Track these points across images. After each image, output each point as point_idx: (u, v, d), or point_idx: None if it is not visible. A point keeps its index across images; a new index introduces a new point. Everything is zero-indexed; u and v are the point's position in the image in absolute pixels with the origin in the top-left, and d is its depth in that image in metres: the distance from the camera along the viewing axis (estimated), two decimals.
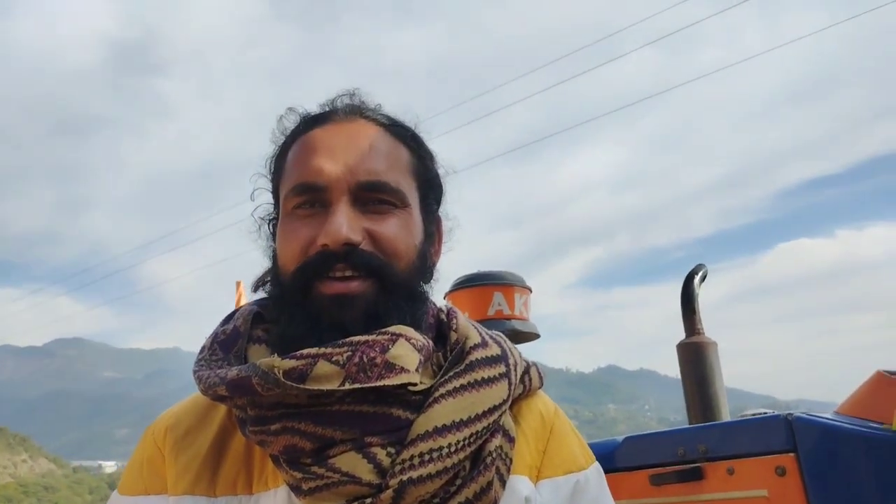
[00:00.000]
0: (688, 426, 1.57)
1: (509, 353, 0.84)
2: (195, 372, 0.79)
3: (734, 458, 1.39)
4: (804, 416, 1.32)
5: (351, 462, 0.70)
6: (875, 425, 1.27)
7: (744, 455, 1.38)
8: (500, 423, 0.79)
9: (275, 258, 0.84)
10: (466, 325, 0.86)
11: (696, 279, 2.05)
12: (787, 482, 1.30)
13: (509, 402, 0.80)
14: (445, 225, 0.93)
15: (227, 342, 0.82)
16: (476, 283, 1.80)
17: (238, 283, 3.75)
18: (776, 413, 1.37)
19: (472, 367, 0.79)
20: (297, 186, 0.81)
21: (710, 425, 1.49)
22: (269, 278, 0.87)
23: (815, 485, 1.27)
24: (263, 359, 0.72)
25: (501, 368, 0.80)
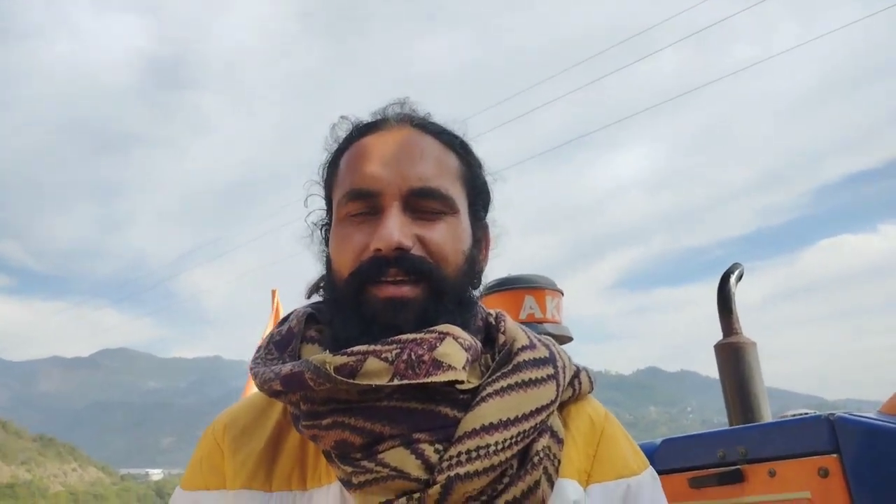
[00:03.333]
0: (727, 428, 1.55)
1: (557, 357, 0.85)
2: (251, 369, 0.83)
3: (775, 459, 1.37)
4: (846, 415, 1.29)
5: (399, 457, 0.72)
6: None
7: (785, 457, 1.36)
8: (549, 424, 0.80)
9: (328, 263, 0.87)
10: (515, 328, 0.88)
11: (733, 278, 2.02)
12: (830, 484, 1.28)
13: (557, 404, 0.81)
14: (492, 231, 0.95)
15: (282, 342, 0.86)
16: (507, 287, 1.80)
17: (273, 292, 3.81)
18: (817, 413, 1.35)
19: (519, 367, 0.80)
20: (350, 192, 0.84)
21: (751, 426, 1.46)
22: (322, 283, 0.90)
23: (859, 486, 1.24)
24: (316, 355, 0.76)
25: (549, 370, 0.82)
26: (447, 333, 0.77)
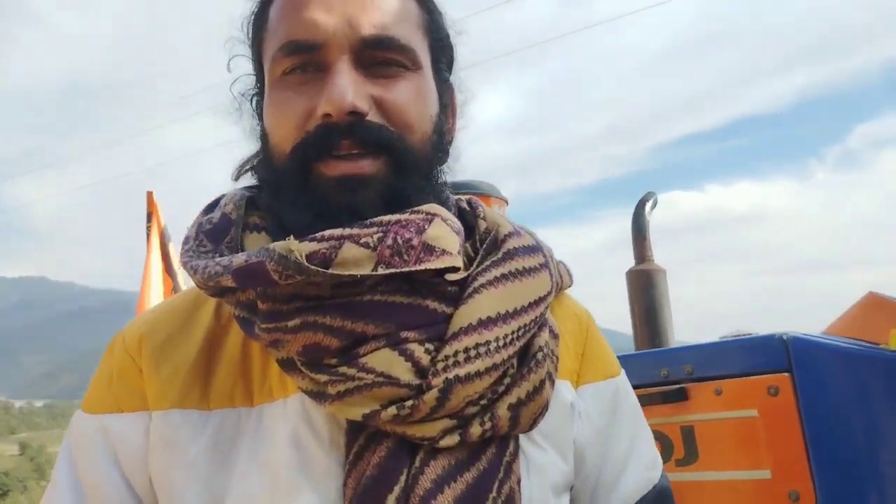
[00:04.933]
0: (674, 347, 1.54)
1: (543, 245, 0.74)
2: (185, 264, 0.68)
3: (722, 378, 1.37)
4: (800, 335, 1.32)
5: (386, 360, 0.61)
6: (868, 345, 1.30)
7: (733, 375, 1.36)
8: (546, 318, 0.70)
9: (264, 138, 0.71)
10: (494, 214, 0.76)
11: (647, 206, 2.02)
12: (779, 402, 1.30)
13: (553, 295, 0.71)
14: (459, 97, 0.79)
15: (215, 231, 0.70)
16: (454, 192, 1.64)
17: (149, 195, 3.33)
18: (769, 334, 1.36)
19: (510, 255, 0.69)
20: (285, 45, 0.67)
21: (698, 345, 1.46)
22: (255, 163, 0.75)
23: (808, 404, 1.27)
24: (277, 242, 0.61)
25: (541, 258, 0.71)
26: (436, 214, 0.65)
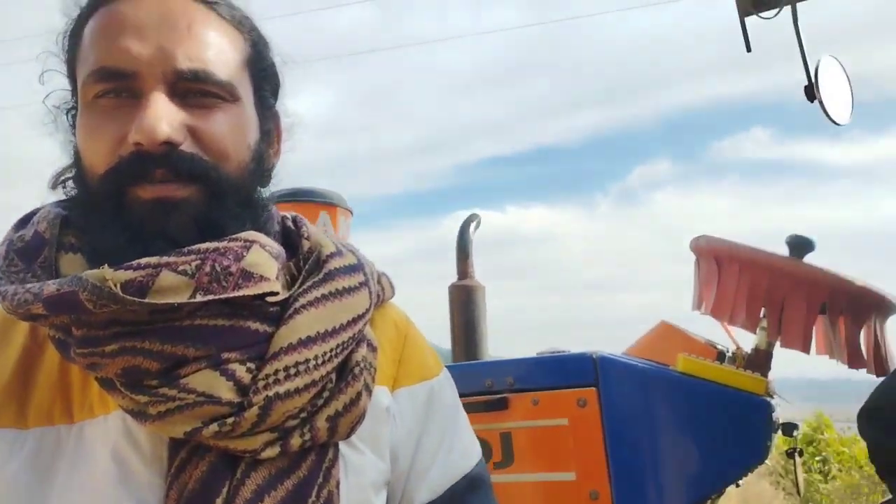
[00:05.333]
0: (496, 360, 1.65)
1: (365, 263, 0.79)
2: None
3: (539, 390, 1.52)
4: (606, 354, 1.50)
5: (207, 381, 0.62)
6: (660, 365, 1.52)
7: (549, 388, 1.51)
8: (364, 334, 0.74)
9: (77, 156, 0.70)
10: (318, 233, 0.79)
11: (472, 227, 2.16)
12: (586, 412, 1.47)
13: (371, 312, 0.76)
14: (285, 122, 0.82)
15: (28, 250, 0.69)
16: (302, 199, 1.62)
17: None
18: (581, 352, 1.53)
19: (331, 275, 0.73)
20: (96, 72, 0.66)
21: (520, 360, 1.59)
22: (70, 176, 0.74)
23: (610, 414, 1.45)
24: (90, 270, 0.61)
25: (361, 277, 0.75)
26: (254, 241, 0.67)
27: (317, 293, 0.70)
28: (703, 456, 1.41)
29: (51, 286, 0.61)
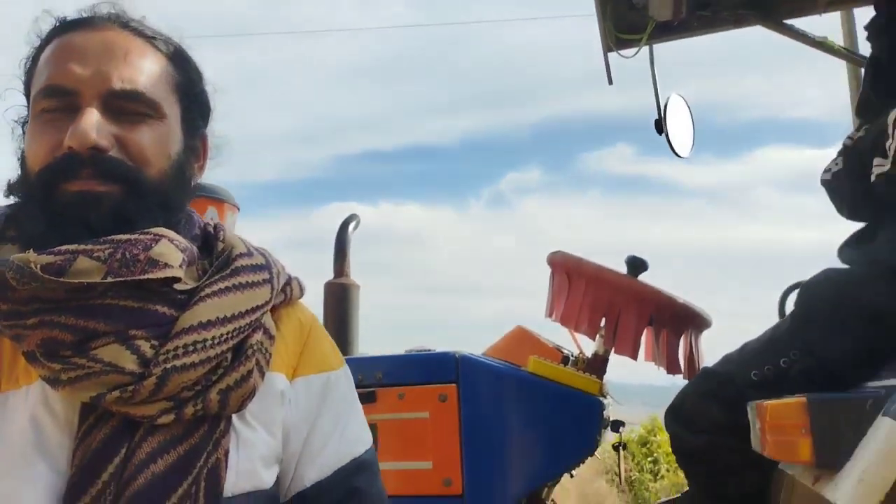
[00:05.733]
0: (368, 356, 1.76)
1: (273, 264, 0.91)
2: None
3: (405, 385, 1.65)
4: (467, 354, 1.66)
5: (114, 353, 0.72)
6: (514, 366, 1.69)
7: (414, 383, 1.65)
8: (262, 322, 0.86)
9: (23, 161, 0.84)
10: (233, 237, 0.92)
11: (350, 227, 2.26)
12: (446, 407, 1.61)
13: (271, 305, 0.88)
14: (212, 141, 0.96)
15: None
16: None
17: None
18: (445, 351, 1.68)
19: (237, 272, 0.84)
20: (45, 89, 0.81)
21: (388, 356, 1.71)
22: (16, 182, 0.86)
23: (466, 409, 1.61)
24: (17, 254, 0.72)
25: (265, 275, 0.87)
26: (162, 235, 0.79)
27: (221, 285, 0.81)
28: (543, 447, 1.60)
29: None
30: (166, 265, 0.76)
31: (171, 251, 0.78)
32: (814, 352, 1.11)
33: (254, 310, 0.82)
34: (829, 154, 1.34)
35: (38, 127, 0.81)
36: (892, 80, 1.14)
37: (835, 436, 0.87)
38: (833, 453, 0.87)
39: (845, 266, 1.23)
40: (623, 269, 1.71)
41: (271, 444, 0.86)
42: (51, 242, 0.73)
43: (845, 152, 1.25)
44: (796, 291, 1.33)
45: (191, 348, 0.75)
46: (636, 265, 1.69)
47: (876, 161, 1.12)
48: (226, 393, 0.78)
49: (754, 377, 1.12)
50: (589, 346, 1.80)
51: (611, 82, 2.30)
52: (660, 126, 2.12)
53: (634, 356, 1.66)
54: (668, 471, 8.43)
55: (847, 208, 1.28)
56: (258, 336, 0.83)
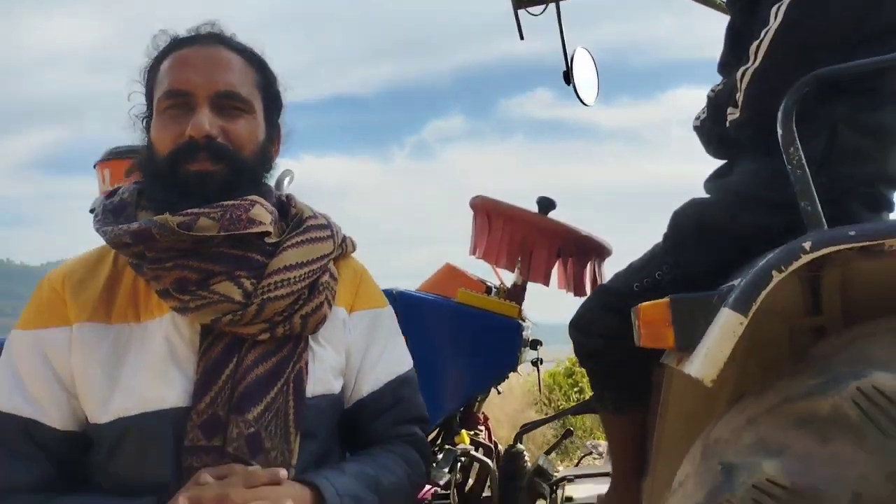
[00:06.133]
0: None
1: (333, 225, 1.20)
2: (98, 229, 1.07)
3: None
4: (404, 290, 1.86)
5: (226, 287, 1.00)
6: (445, 298, 1.91)
7: None
8: (328, 268, 1.14)
9: (150, 146, 1.09)
10: (302, 205, 1.20)
11: (286, 182, 2.40)
12: None
13: (334, 255, 1.16)
14: (284, 131, 1.21)
15: (116, 210, 1.09)
16: (130, 156, 1.78)
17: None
18: (385, 288, 1.88)
19: (308, 230, 1.13)
20: (167, 92, 1.06)
21: None
22: (142, 164, 1.12)
23: (406, 336, 1.82)
24: (158, 216, 1.00)
25: (328, 232, 1.16)
26: (256, 201, 1.06)
27: (297, 239, 1.09)
28: (473, 365, 1.83)
29: (134, 225, 1.01)
30: (261, 223, 1.04)
31: (263, 213, 1.06)
32: (680, 265, 1.36)
33: (322, 257, 1.10)
34: None
35: (164, 121, 1.06)
36: (744, 44, 1.36)
37: (692, 325, 1.05)
38: (690, 338, 1.05)
39: (707, 196, 1.49)
40: (535, 209, 1.95)
41: (338, 360, 1.13)
42: (178, 208, 1.00)
43: (709, 103, 1.50)
44: None
45: (279, 284, 1.02)
46: (545, 204, 1.93)
47: (729, 110, 1.38)
48: (305, 318, 1.05)
49: (636, 288, 1.38)
50: (508, 279, 2.04)
51: (522, 37, 2.48)
52: (567, 77, 2.33)
53: (547, 283, 1.91)
54: None
55: (712, 149, 1.54)
56: (326, 278, 1.10)
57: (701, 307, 1.06)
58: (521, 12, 2.40)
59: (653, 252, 1.45)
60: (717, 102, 1.45)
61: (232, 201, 1.03)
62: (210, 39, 1.12)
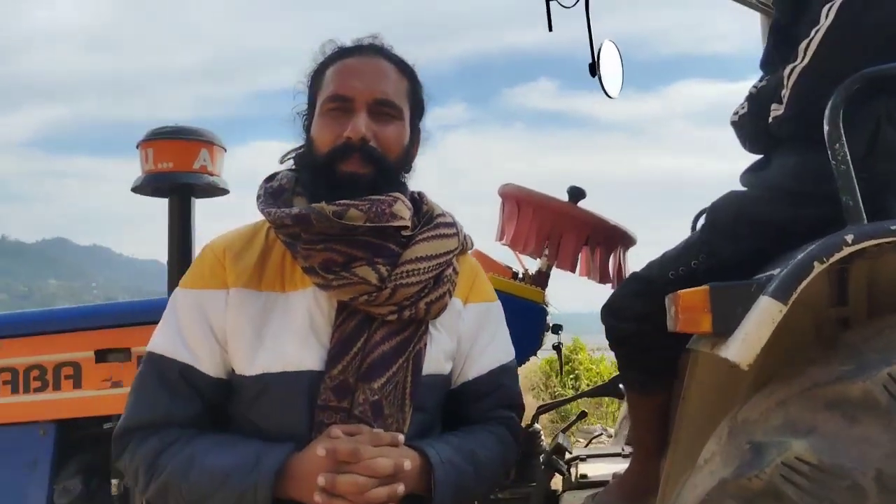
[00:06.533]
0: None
1: (457, 223, 1.32)
2: (262, 209, 1.22)
3: None
4: None
5: (365, 271, 1.13)
6: None
7: None
8: (452, 262, 1.25)
9: (310, 141, 1.24)
10: (433, 203, 1.32)
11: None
12: None
13: (458, 250, 1.28)
14: (423, 135, 1.34)
15: (275, 193, 1.24)
16: (183, 137, 1.81)
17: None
18: None
19: (437, 226, 1.25)
20: (331, 96, 1.20)
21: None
22: (297, 154, 1.28)
23: None
24: (316, 204, 1.14)
25: (454, 230, 1.28)
26: (398, 198, 1.19)
27: (428, 234, 1.21)
28: None
29: (295, 210, 1.15)
30: (401, 217, 1.17)
31: (403, 209, 1.18)
32: (717, 254, 1.40)
33: (448, 252, 1.23)
34: (739, 88, 1.62)
35: (325, 121, 1.20)
36: (790, 42, 1.40)
37: (729, 311, 1.08)
38: (727, 325, 1.08)
39: (745, 189, 1.53)
40: (565, 198, 2.01)
41: (451, 345, 1.26)
42: (329, 199, 1.13)
43: (750, 99, 1.55)
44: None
45: (410, 273, 1.15)
46: (576, 194, 1.99)
47: (773, 107, 1.43)
48: (429, 305, 1.18)
49: (671, 276, 1.43)
50: (532, 266, 2.09)
51: (551, 28, 2.50)
52: (593, 69, 2.35)
53: (574, 270, 1.97)
54: (587, 385, 9.16)
55: (749, 144, 1.59)
56: (449, 271, 1.23)
57: (740, 295, 1.10)
58: (552, 3, 2.41)
59: (689, 241, 1.51)
60: (760, 99, 1.49)
61: (378, 197, 1.16)
62: (371, 50, 1.25)
